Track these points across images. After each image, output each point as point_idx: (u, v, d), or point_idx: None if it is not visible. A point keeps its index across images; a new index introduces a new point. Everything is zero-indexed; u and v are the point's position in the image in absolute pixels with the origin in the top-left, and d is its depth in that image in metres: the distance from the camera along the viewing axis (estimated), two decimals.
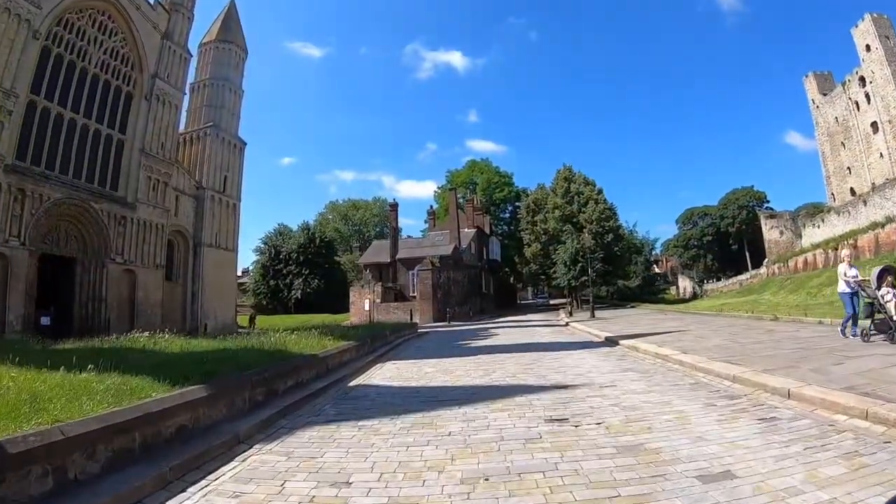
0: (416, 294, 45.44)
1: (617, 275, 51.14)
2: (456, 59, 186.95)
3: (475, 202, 62.92)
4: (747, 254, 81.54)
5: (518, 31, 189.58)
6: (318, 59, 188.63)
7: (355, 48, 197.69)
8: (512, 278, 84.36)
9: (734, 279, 68.31)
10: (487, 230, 64.39)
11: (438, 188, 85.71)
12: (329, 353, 11.73)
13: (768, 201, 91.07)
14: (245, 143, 47.86)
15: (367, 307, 45.82)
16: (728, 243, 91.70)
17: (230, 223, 45.29)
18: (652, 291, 75.13)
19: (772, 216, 70.78)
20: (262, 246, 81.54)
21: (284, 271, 76.00)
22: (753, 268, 67.37)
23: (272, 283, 76.74)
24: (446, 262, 47.42)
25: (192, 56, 41.65)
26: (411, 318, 39.48)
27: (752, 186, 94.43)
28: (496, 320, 41.04)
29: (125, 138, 35.20)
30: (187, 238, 41.31)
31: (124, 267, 33.66)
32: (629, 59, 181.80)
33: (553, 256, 49.40)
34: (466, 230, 57.47)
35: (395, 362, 14.39)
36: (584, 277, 45.00)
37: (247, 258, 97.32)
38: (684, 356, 10.03)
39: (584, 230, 49.24)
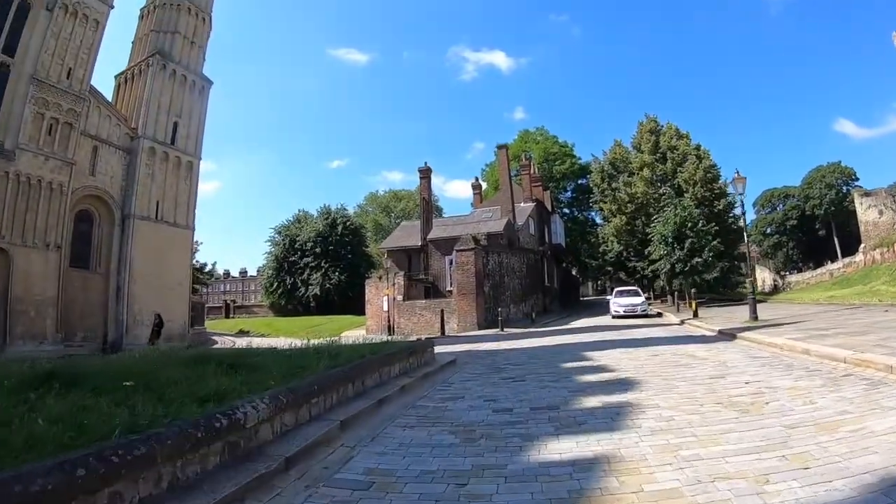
0: (452, 287, 31.41)
1: (732, 256, 36.07)
2: (499, 59, 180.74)
3: (532, 170, 48.45)
4: (836, 239, 71.17)
5: (560, 27, 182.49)
6: (363, 65, 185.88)
7: (398, 53, 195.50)
8: (575, 270, 69.59)
9: (823, 269, 58.16)
10: (549, 206, 49.87)
11: (486, 165, 71.51)
12: None
13: (857, 179, 77.23)
14: (210, 83, 34.94)
15: (385, 307, 32.16)
16: (814, 228, 78.68)
17: (182, 188, 32.26)
18: (728, 285, 60.75)
19: (867, 194, 59.64)
20: (276, 236, 68.68)
21: (301, 264, 63.19)
22: (844, 255, 58.91)
23: (287, 279, 64.01)
24: (496, 241, 33.21)
25: None
26: (442, 325, 25.45)
27: (840, 162, 79.59)
28: (571, 324, 27.03)
29: (12, 61, 22.74)
30: (111, 208, 28.47)
31: None
32: (676, 45, 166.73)
33: (649, 230, 34.67)
34: (523, 204, 43.11)
35: None
36: (697, 259, 30.53)
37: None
38: None
39: (686, 195, 34.65)
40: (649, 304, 33.36)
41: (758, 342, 11.84)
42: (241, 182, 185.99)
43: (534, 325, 28.01)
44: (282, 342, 32.64)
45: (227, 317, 71.11)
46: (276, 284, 65.55)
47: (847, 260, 54.67)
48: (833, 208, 74.51)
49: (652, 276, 51.43)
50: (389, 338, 30.90)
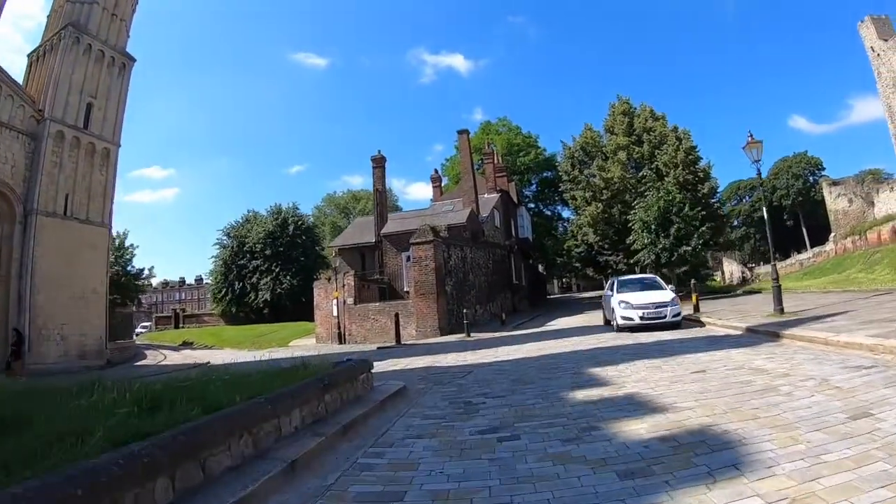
0: (409, 287, 27.56)
1: (719, 244, 33.10)
2: (458, 61, 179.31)
3: (496, 159, 44.90)
4: (804, 230, 71.81)
5: (517, 28, 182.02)
6: (322, 69, 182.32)
7: (357, 57, 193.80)
8: (542, 266, 66.31)
9: (792, 259, 59.16)
10: (514, 198, 46.38)
11: (447, 160, 67.73)
12: None
13: (824, 168, 78.42)
14: (133, 60, 30.49)
15: (334, 311, 28.18)
16: (782, 219, 77.49)
17: (98, 180, 27.79)
18: (698, 277, 58.67)
19: (836, 183, 60.60)
20: (225, 238, 63.54)
21: (250, 268, 58.36)
22: (813, 245, 59.99)
23: (236, 284, 59.10)
24: (459, 233, 29.56)
25: None
26: (397, 332, 21.50)
27: (806, 152, 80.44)
28: (548, 326, 23.65)
29: None
30: (12, 203, 23.93)
31: None
32: (632, 45, 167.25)
33: (629, 217, 31.47)
34: (487, 195, 39.58)
35: None
36: (685, 248, 27.48)
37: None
38: None
39: (666, 179, 31.61)
40: None
41: (827, 343, 8.45)
42: (200, 188, 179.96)
43: (504, 327, 24.42)
44: (224, 355, 28.42)
45: (176, 327, 66.21)
46: (224, 291, 60.54)
47: (817, 249, 54.83)
48: (801, 198, 74.55)
49: (627, 271, 48.56)
50: (339, 347, 27.06)
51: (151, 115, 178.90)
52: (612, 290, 17.41)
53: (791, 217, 77.42)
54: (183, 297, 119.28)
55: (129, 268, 53.30)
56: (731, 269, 70.74)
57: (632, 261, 34.21)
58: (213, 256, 64.33)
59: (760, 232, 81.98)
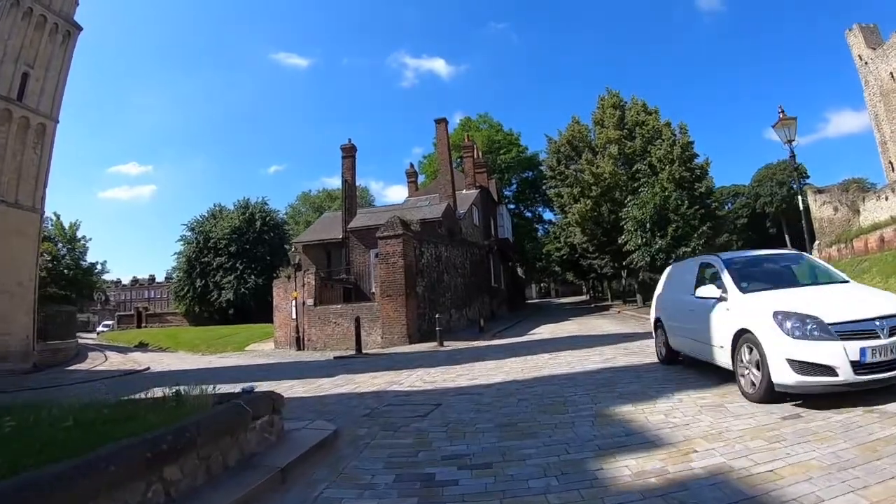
0: (375, 288, 24.55)
1: (716, 247, 30.60)
2: (439, 65, 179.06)
3: (475, 154, 42.13)
4: (787, 237, 70.80)
5: (499, 35, 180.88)
6: (303, 69, 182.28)
7: (338, 58, 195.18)
8: (521, 269, 63.67)
9: None
10: (494, 196, 43.61)
11: (424, 157, 64.70)
12: None
13: (808, 177, 76.05)
14: (80, 29, 27.19)
15: (293, 313, 25.10)
16: (765, 226, 77.56)
17: (30, 158, 24.45)
18: None
19: (820, 191, 59.77)
20: (189, 234, 59.74)
21: (214, 265, 54.78)
22: None
23: (198, 282, 55.45)
24: (433, 229, 26.66)
25: None
26: (357, 339, 18.32)
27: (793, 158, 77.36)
28: (531, 334, 21.06)
29: None
30: None
31: None
32: (614, 52, 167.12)
33: (622, 214, 28.89)
34: (465, 191, 36.78)
35: None
36: (683, 249, 25.09)
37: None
38: None
39: (660, 175, 29.15)
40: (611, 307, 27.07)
41: None
42: (177, 186, 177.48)
43: (483, 335, 21.58)
44: (171, 360, 25.24)
45: (139, 326, 62.44)
46: (186, 289, 56.94)
47: None
48: (784, 206, 72.74)
49: (612, 275, 46.12)
50: (296, 354, 24.01)
51: (130, 110, 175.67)
52: (709, 283, 7.46)
53: (774, 225, 76.33)
54: (152, 296, 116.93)
55: (82, 262, 49.35)
56: None
57: (623, 263, 31.79)
58: (175, 253, 60.65)
59: (742, 238, 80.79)
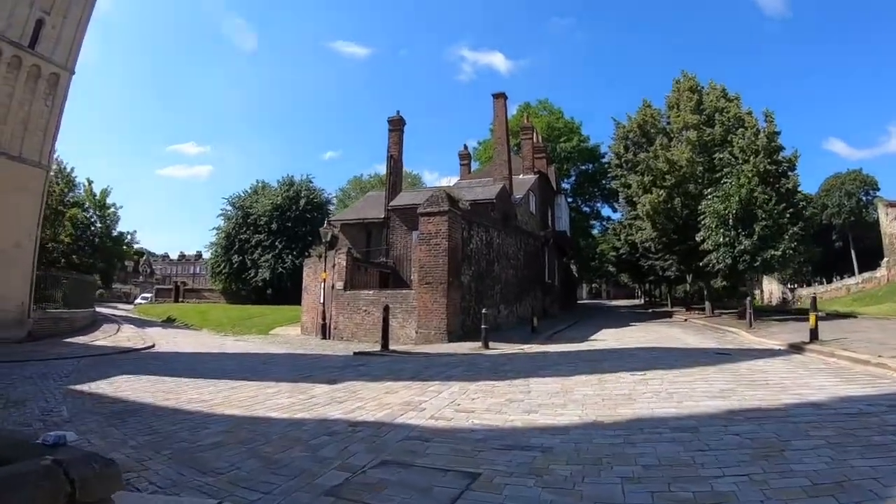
0: (413, 275, 21.37)
1: (800, 252, 26.23)
2: (498, 60, 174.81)
3: (535, 138, 38.52)
4: (853, 252, 65.71)
5: (563, 31, 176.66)
6: (362, 59, 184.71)
7: (396, 49, 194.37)
8: (576, 266, 59.62)
9: (838, 283, 53.52)
10: (553, 184, 39.90)
11: (479, 143, 61.11)
12: None
13: (879, 188, 70.53)
14: None
15: (321, 297, 22.23)
16: (831, 238, 70.58)
17: (39, 110, 22.06)
18: (737, 294, 53.04)
19: (892, 205, 52.73)
20: (230, 209, 57.93)
21: (252, 242, 52.81)
22: (862, 270, 55.10)
23: (235, 259, 53.59)
24: (485, 212, 23.30)
25: None
26: (385, 332, 14.97)
27: (861, 170, 72.48)
28: (592, 339, 17.54)
29: None
30: None
31: None
32: (676, 57, 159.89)
33: (701, 207, 24.90)
34: (522, 176, 33.25)
35: None
36: (771, 252, 21.19)
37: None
38: None
39: (744, 167, 25.03)
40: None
41: None
42: (233, 168, 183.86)
43: (536, 337, 18.10)
44: (186, 341, 22.00)
45: (176, 300, 61.78)
46: (222, 265, 55.22)
47: (867, 275, 50.15)
48: (852, 219, 67.88)
49: (675, 278, 41.82)
50: (321, 342, 20.93)
51: (192, 90, 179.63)
52: None
53: (840, 238, 70.65)
54: (196, 271, 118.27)
55: (111, 230, 47.85)
56: (770, 287, 63.50)
57: (691, 266, 28.02)
58: (214, 227, 58.93)
59: (807, 252, 74.82)
